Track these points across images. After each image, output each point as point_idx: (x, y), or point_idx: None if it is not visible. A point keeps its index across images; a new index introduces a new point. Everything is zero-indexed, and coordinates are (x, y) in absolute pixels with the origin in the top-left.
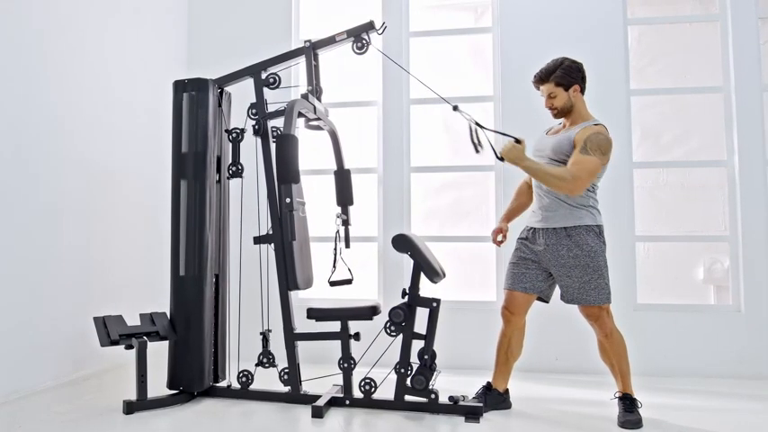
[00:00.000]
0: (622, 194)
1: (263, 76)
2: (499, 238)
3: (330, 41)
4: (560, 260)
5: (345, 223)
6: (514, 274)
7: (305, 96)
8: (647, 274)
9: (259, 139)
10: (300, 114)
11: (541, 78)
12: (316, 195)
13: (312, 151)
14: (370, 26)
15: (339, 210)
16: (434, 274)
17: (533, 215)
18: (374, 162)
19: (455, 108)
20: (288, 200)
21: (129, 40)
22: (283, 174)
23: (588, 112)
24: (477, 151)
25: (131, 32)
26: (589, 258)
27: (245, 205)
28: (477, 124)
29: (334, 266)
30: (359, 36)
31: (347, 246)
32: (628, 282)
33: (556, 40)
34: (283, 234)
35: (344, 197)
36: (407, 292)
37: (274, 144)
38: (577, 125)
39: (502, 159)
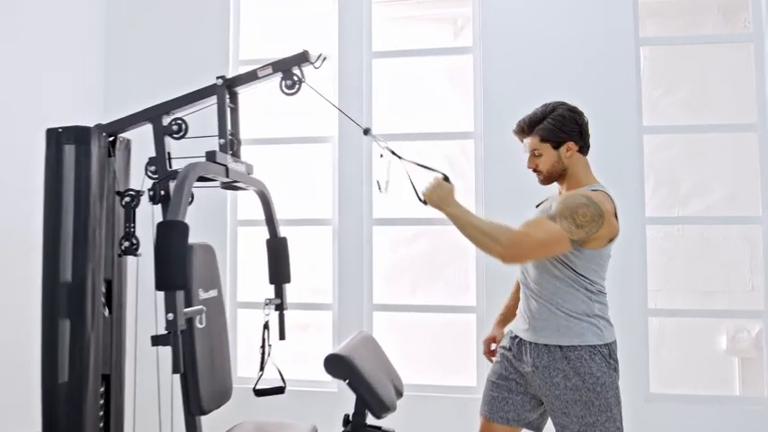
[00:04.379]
0: (632, 257)
1: (166, 121)
2: (492, 347)
3: (251, 78)
4: (554, 390)
5: (280, 308)
6: (493, 399)
7: (211, 156)
8: (658, 338)
9: (159, 208)
10: (205, 179)
11: (522, 129)
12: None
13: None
14: (302, 58)
15: (271, 291)
16: (383, 409)
17: (519, 319)
18: (328, 212)
19: (366, 132)
20: (171, 316)
21: (28, 79)
22: (164, 278)
23: (590, 177)
24: (380, 189)
25: (30, 67)
26: (593, 393)
27: (146, 289)
28: (393, 153)
29: (262, 369)
30: (288, 71)
31: (282, 337)
32: (638, 366)
33: (551, 65)
34: (172, 361)
35: (279, 274)
36: (350, 420)
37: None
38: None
39: (424, 202)
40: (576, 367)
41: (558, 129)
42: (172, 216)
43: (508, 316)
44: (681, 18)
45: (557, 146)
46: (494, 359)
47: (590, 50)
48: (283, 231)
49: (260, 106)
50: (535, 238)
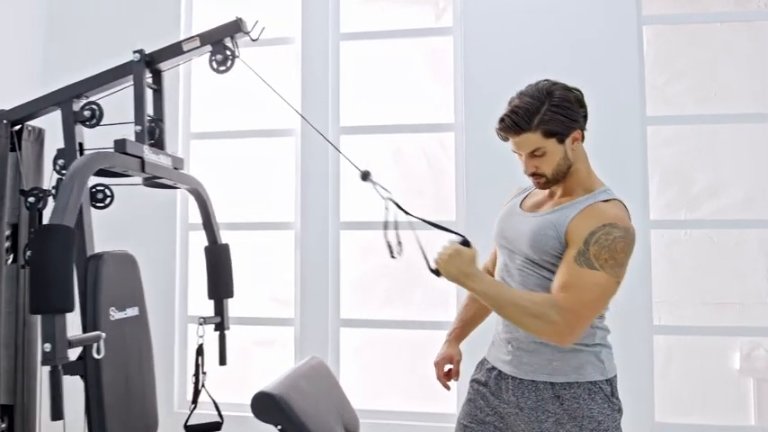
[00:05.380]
0: (634, 265)
1: (77, 106)
2: (447, 368)
3: (175, 52)
4: None
5: (220, 328)
6: None
7: (120, 146)
8: (663, 355)
9: None
10: (113, 174)
11: (517, 125)
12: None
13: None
14: (235, 28)
15: (207, 309)
16: None
17: (498, 345)
18: (290, 215)
19: (365, 177)
20: (47, 347)
21: None
22: (38, 298)
23: (592, 174)
24: (393, 255)
25: None
26: None
27: None
28: (398, 206)
29: (194, 402)
30: (219, 44)
31: (222, 362)
32: (642, 391)
33: (541, 46)
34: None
35: (220, 287)
36: None
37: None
38: (575, 198)
39: (437, 273)
40: (570, 410)
41: (566, 117)
42: (54, 219)
43: (465, 330)
44: (688, 0)
45: (562, 138)
46: (450, 383)
47: (586, 30)
48: (242, 236)
49: (213, 95)
50: (588, 302)
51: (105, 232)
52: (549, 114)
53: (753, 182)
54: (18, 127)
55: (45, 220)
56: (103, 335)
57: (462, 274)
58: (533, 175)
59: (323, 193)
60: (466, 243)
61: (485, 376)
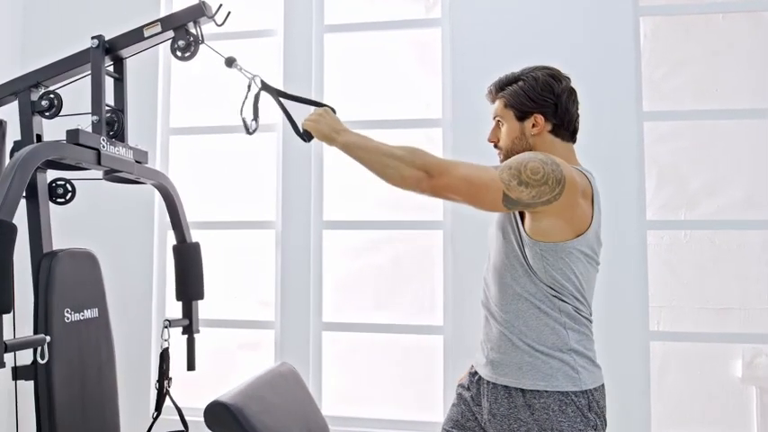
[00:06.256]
0: (630, 268)
1: (35, 96)
2: None
3: (136, 38)
4: None
5: (188, 331)
6: None
7: (72, 137)
8: (661, 363)
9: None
10: (70, 167)
11: (491, 90)
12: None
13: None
14: (198, 12)
15: (175, 312)
16: None
17: (478, 349)
18: (271, 213)
19: (229, 62)
20: None
21: None
22: None
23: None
24: (249, 131)
25: None
26: None
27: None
28: (265, 85)
29: (158, 410)
30: (182, 29)
31: (191, 367)
32: (638, 401)
33: (533, 39)
34: None
35: (188, 288)
36: None
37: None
38: None
39: (308, 137)
40: (540, 420)
41: (525, 94)
42: None
43: None
44: None
45: (521, 117)
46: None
47: (580, 22)
48: (223, 236)
49: (194, 89)
50: (460, 170)
51: (79, 230)
52: (515, 87)
53: (754, 180)
54: None
55: None
56: (47, 338)
57: (332, 130)
58: (495, 146)
59: (305, 190)
60: (332, 110)
61: (468, 381)
